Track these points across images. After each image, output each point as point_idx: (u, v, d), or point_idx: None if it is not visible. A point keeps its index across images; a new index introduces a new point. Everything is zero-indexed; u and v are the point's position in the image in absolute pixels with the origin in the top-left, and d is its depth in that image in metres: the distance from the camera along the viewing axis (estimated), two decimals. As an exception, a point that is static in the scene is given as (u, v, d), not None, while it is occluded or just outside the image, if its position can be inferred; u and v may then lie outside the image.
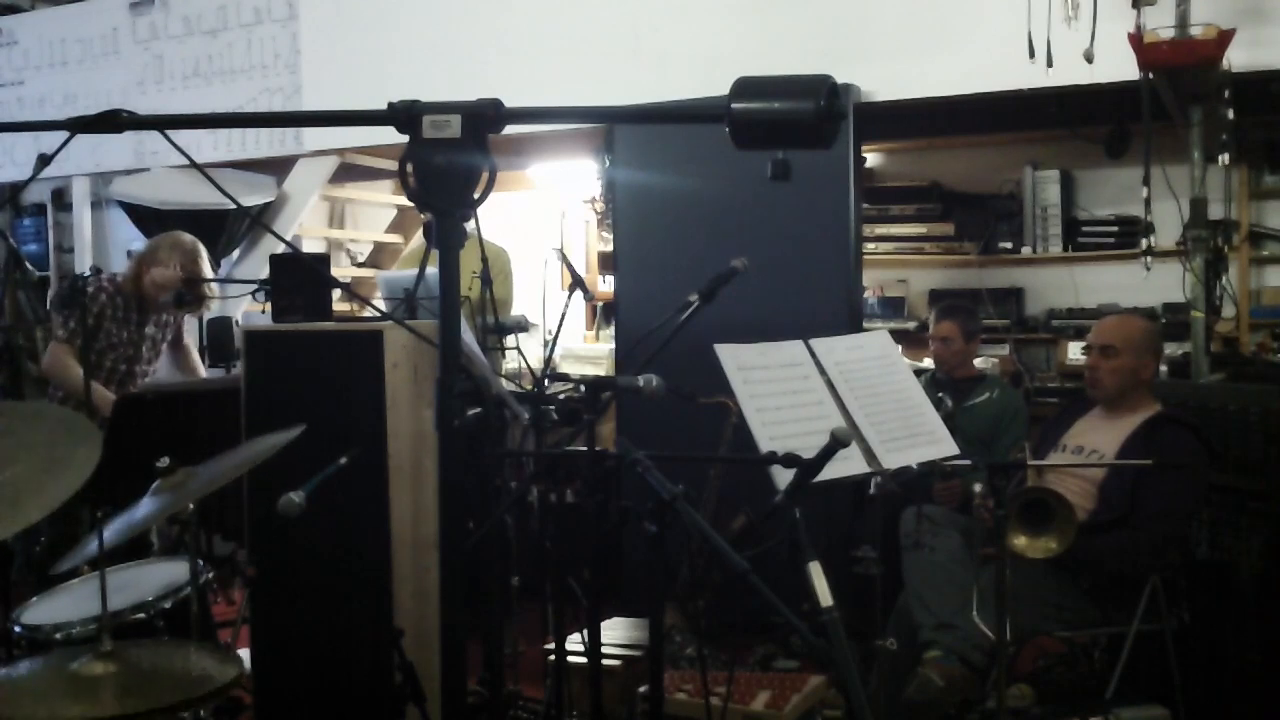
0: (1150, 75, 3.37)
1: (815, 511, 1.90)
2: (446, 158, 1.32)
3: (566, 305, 3.62)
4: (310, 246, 6.40)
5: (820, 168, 3.93)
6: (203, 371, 4.61)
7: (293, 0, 5.53)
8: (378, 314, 3.39)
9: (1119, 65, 3.50)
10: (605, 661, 2.89)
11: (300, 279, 2.97)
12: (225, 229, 5.59)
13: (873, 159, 6.20)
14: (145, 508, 2.18)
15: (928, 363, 5.30)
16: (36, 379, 5.10)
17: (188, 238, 4.26)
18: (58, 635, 2.51)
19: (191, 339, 4.67)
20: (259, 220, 5.72)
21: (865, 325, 4.99)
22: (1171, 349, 4.50)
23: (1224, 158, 3.64)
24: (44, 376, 4.36)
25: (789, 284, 4.12)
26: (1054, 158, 5.68)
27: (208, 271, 4.29)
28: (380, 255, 7.17)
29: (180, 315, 4.40)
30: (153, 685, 1.89)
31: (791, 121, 1.25)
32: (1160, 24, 3.35)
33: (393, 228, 7.25)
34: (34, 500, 1.88)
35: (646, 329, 2.71)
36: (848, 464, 2.55)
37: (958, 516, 3.45)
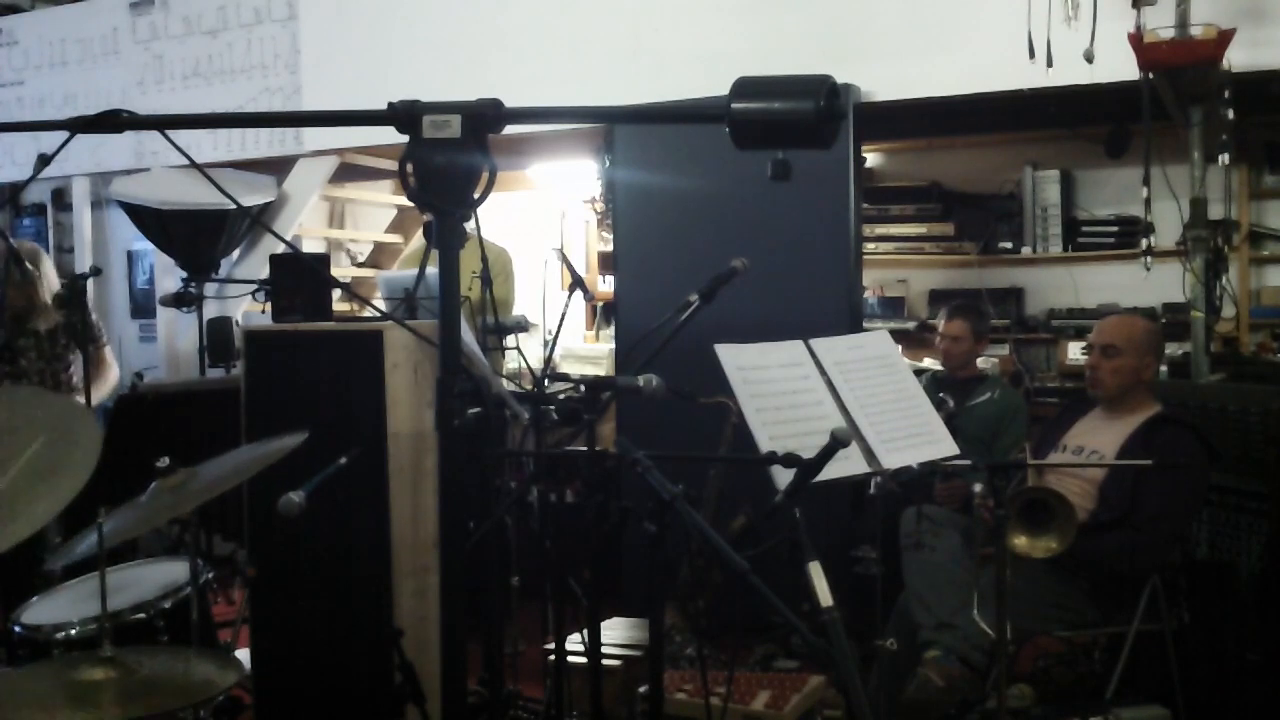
0: (1150, 75, 3.36)
1: (815, 511, 1.89)
2: (446, 158, 1.32)
3: (566, 305, 3.62)
4: (310, 246, 6.40)
5: (820, 168, 3.93)
6: (106, 387, 4.11)
7: (293, 0, 5.53)
8: (378, 314, 3.39)
9: (1119, 65, 3.50)
10: (605, 661, 2.88)
11: (300, 279, 2.97)
12: (225, 229, 5.59)
13: (873, 159, 6.19)
14: (142, 508, 2.18)
15: (928, 362, 5.30)
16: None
17: (28, 245, 4.03)
18: (58, 635, 2.51)
19: (113, 355, 4.26)
20: (259, 220, 5.72)
21: (865, 325, 4.98)
22: (1171, 349, 4.50)
23: (1224, 158, 3.63)
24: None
25: (789, 284, 4.11)
26: (1054, 158, 5.68)
27: (49, 276, 3.99)
28: (380, 255, 7.17)
29: (88, 324, 3.96)
30: (153, 691, 1.89)
31: (791, 121, 1.25)
32: (1160, 24, 3.35)
33: (393, 228, 7.25)
34: (30, 510, 1.88)
35: (646, 329, 2.71)
36: (848, 464, 2.54)
37: (958, 516, 3.45)
